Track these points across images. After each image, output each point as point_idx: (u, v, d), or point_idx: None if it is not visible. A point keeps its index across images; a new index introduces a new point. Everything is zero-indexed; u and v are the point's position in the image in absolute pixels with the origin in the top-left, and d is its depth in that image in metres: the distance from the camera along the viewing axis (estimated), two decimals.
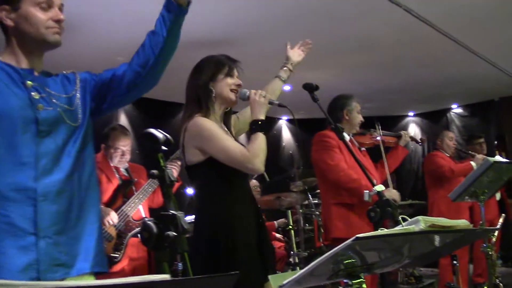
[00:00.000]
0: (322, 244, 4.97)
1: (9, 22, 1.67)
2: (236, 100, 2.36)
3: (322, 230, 4.61)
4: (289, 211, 5.31)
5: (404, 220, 1.42)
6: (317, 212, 5.40)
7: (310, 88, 2.37)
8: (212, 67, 2.33)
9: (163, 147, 1.31)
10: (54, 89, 1.74)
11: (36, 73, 1.72)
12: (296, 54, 2.73)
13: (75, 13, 3.77)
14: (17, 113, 1.60)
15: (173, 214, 1.20)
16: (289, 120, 8.47)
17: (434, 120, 8.60)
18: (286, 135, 8.59)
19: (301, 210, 5.29)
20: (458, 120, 8.35)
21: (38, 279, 1.54)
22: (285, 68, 2.69)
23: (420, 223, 1.33)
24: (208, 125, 2.20)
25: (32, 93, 1.66)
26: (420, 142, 4.20)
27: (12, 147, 1.58)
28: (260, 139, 2.19)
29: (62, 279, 1.59)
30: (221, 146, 2.17)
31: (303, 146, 7.65)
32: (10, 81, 1.64)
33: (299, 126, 6.68)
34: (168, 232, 1.17)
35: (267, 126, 2.26)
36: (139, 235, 3.36)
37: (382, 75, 6.29)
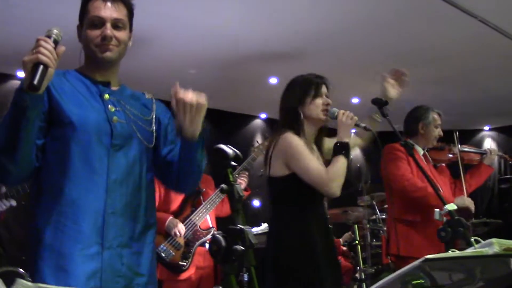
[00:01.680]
0: (390, 261, 4.84)
1: (80, 39, 1.75)
2: (327, 119, 2.39)
3: None
4: (356, 226, 5.23)
5: (477, 242, 1.37)
6: (384, 228, 5.26)
7: (380, 103, 2.33)
8: (298, 90, 2.38)
9: (233, 163, 1.35)
10: (130, 104, 1.78)
11: (113, 87, 1.77)
12: (393, 91, 2.49)
13: (147, 26, 3.89)
14: (93, 126, 1.65)
15: (241, 228, 1.23)
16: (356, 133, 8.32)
17: None
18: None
19: (368, 225, 5.19)
20: None
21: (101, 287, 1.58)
22: (374, 117, 2.49)
23: (494, 246, 1.27)
24: (296, 142, 2.26)
25: (109, 106, 1.70)
26: None
27: (87, 159, 1.62)
28: (340, 163, 2.23)
29: None
30: (303, 165, 2.24)
31: (372, 159, 7.52)
32: (88, 94, 1.70)
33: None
34: (236, 246, 1.20)
35: (349, 149, 2.28)
36: (206, 244, 3.45)
37: (457, 88, 6.07)
